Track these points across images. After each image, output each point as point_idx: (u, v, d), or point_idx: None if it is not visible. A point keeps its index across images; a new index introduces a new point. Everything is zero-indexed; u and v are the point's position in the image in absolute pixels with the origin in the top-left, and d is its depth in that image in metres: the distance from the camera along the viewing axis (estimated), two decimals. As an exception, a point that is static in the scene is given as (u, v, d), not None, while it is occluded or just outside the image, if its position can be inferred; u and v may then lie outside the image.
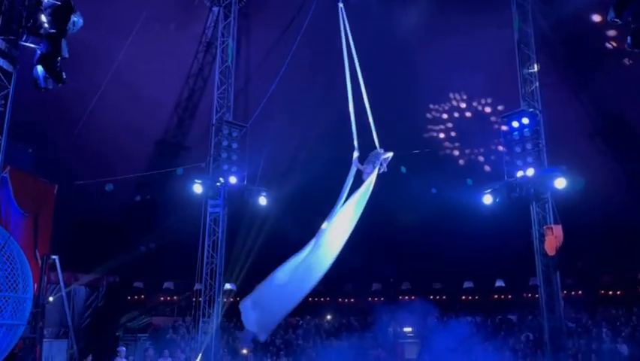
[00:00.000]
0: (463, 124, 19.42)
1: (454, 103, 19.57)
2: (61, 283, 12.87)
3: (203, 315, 15.66)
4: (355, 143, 8.90)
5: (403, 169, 17.71)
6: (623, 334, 16.49)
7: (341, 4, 9.27)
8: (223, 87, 16.69)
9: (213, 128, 16.41)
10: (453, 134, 19.86)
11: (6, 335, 9.40)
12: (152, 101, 17.80)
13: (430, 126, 19.95)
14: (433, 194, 19.66)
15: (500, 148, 16.12)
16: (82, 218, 17.63)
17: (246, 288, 17.43)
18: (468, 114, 19.33)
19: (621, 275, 20.44)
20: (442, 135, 20.00)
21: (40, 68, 8.63)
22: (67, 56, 8.57)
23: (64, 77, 8.68)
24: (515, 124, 15.29)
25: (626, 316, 18.07)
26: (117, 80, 15.70)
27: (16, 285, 9.47)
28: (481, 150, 19.59)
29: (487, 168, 19.25)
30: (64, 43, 8.55)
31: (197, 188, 15.66)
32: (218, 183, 15.86)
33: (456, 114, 19.58)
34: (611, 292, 20.60)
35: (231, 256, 16.66)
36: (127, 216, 18.56)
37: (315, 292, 23.14)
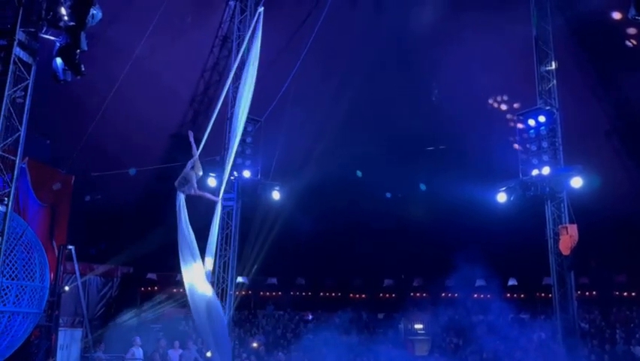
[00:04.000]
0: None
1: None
2: (77, 273, 13.06)
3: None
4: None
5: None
6: (638, 336, 16.31)
7: (261, 9, 9.29)
8: (239, 81, 16.70)
9: (228, 122, 16.46)
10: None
11: (22, 322, 9.59)
12: (169, 95, 17.93)
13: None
14: (446, 192, 19.57)
15: (516, 146, 15.96)
16: (98, 209, 17.84)
17: (257, 282, 17.63)
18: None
19: (636, 276, 20.19)
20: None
21: (59, 61, 8.73)
22: (86, 48, 8.66)
23: (83, 69, 8.77)
24: (531, 122, 15.17)
25: (641, 318, 17.87)
26: (134, 74, 15.80)
27: (33, 274, 9.65)
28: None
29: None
30: (83, 35, 8.63)
31: (212, 181, 15.75)
32: (232, 177, 15.93)
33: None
34: (625, 293, 20.36)
35: (244, 250, 16.75)
36: (142, 208, 18.73)
37: (326, 287, 23.27)
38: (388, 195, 20.88)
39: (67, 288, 13.68)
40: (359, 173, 20.04)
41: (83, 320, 14.22)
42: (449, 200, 18.68)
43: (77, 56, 8.64)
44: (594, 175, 14.66)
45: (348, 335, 19.09)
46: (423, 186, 17.92)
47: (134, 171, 16.88)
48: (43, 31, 8.66)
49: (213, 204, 8.88)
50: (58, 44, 8.75)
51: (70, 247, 12.42)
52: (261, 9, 9.25)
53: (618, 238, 18.18)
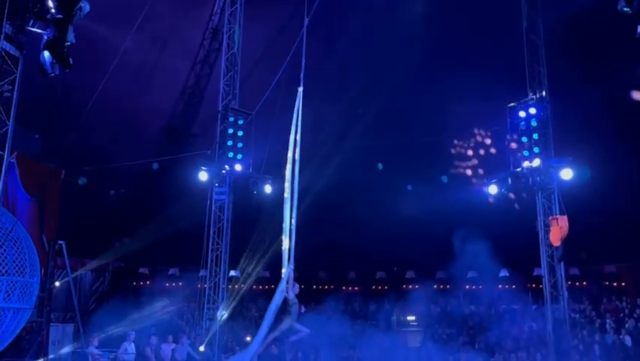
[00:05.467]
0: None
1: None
2: (68, 268, 13.00)
3: (208, 301, 15.78)
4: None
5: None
6: (627, 325, 16.50)
7: (300, 89, 9.29)
8: (229, 74, 16.67)
9: (219, 115, 16.41)
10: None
11: (13, 318, 9.53)
12: (159, 89, 17.82)
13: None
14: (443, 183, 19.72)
15: (513, 145, 15.79)
16: (89, 204, 17.74)
17: (250, 275, 17.62)
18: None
19: (626, 266, 20.38)
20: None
21: (47, 54, 8.64)
22: (74, 41, 8.58)
23: (71, 62, 8.68)
24: (522, 114, 15.19)
25: (630, 307, 18.06)
26: (123, 67, 15.70)
27: (23, 269, 9.58)
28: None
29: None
30: (70, 28, 8.55)
31: (203, 175, 15.71)
32: (223, 171, 15.90)
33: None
34: (615, 284, 20.54)
35: (236, 244, 16.74)
36: (133, 202, 18.66)
37: (319, 280, 23.33)
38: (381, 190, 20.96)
39: (57, 283, 13.59)
40: (380, 165, 20.24)
41: (75, 315, 14.17)
42: (440, 192, 18.77)
43: (65, 49, 8.56)
44: (584, 167, 14.73)
45: (341, 328, 19.17)
46: (409, 187, 18.07)
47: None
48: (30, 24, 8.57)
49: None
50: (45, 37, 8.66)
51: (60, 242, 12.35)
52: (300, 89, 9.39)
53: (608, 228, 18.33)
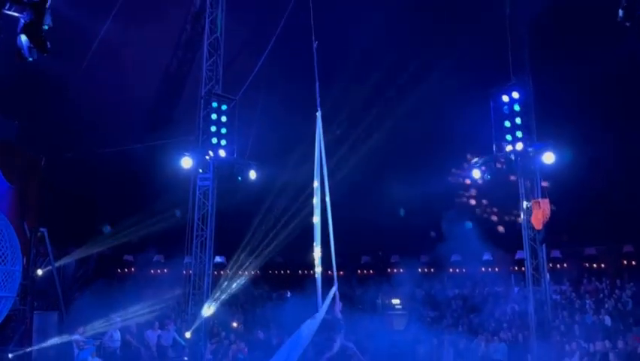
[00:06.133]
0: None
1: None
2: (51, 256, 12.89)
3: (194, 288, 15.76)
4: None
5: None
6: (607, 306, 16.85)
7: (319, 113, 9.19)
8: (212, 59, 16.48)
9: (202, 100, 16.26)
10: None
11: (-5, 306, 9.46)
12: (140, 74, 17.58)
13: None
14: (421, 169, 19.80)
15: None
16: (71, 191, 17.56)
17: (235, 261, 17.64)
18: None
19: (605, 249, 20.80)
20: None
21: (24, 38, 8.44)
22: (51, 24, 8.40)
23: (49, 46, 8.51)
24: (505, 98, 15.25)
25: (610, 288, 18.44)
26: (103, 52, 15.48)
27: (5, 257, 9.51)
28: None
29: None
30: (48, 11, 8.36)
31: (186, 161, 15.57)
32: (207, 157, 15.78)
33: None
34: (595, 265, 20.97)
35: (221, 230, 16.70)
36: (116, 189, 18.50)
37: (304, 265, 23.44)
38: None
39: (40, 271, 13.47)
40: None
41: (59, 302, 14.07)
42: (424, 178, 18.86)
43: (43, 33, 8.38)
44: (566, 151, 14.89)
45: (327, 312, 19.28)
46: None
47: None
48: (6, 8, 8.36)
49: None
50: (22, 21, 8.46)
51: (42, 229, 12.23)
52: (318, 113, 9.22)
53: (588, 212, 18.64)
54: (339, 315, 9.13)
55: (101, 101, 16.77)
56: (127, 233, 17.44)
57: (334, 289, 9.07)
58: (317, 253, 9.16)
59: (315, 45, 9.32)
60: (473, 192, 20.18)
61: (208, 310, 15.44)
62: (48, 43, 8.48)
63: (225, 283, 16.34)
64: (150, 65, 17.89)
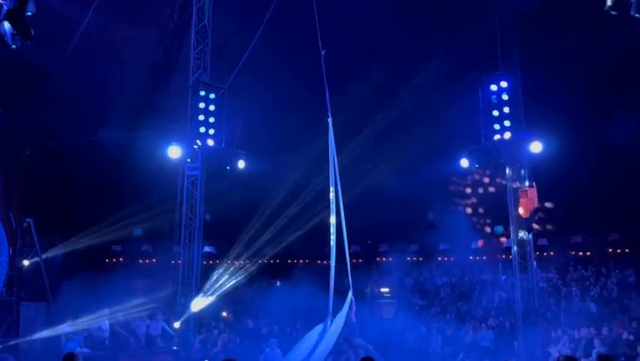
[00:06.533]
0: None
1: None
2: (37, 246, 12.76)
3: (183, 277, 15.70)
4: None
5: None
6: (592, 293, 17.09)
7: (330, 119, 9.14)
8: (200, 47, 16.28)
9: (190, 89, 16.09)
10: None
11: (-19, 297, 9.36)
12: (127, 62, 17.35)
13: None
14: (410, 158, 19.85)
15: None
16: (58, 181, 17.38)
17: (225, 251, 17.61)
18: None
19: (591, 237, 21.05)
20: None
21: (7, 25, 8.29)
22: (35, 11, 8.25)
23: (33, 33, 8.36)
24: (494, 87, 15.29)
25: (595, 276, 18.69)
26: (89, 39, 15.25)
27: (-10, 248, 9.39)
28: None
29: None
30: (31, -2, 8.21)
31: (174, 151, 15.43)
32: (195, 146, 15.65)
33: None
34: (581, 253, 21.22)
35: (210, 219, 16.63)
36: (104, 179, 18.33)
37: (292, 254, 23.48)
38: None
39: (26, 262, 13.32)
40: None
41: (46, 293, 13.95)
42: (414, 166, 18.91)
43: (26, 20, 8.23)
44: (554, 140, 14.99)
45: (317, 301, 19.35)
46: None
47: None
48: (-12, -6, 8.19)
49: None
50: (5, 7, 8.30)
51: (29, 219, 12.10)
52: (330, 120, 9.28)
53: (575, 201, 18.83)
54: (354, 319, 9.23)
55: (86, 91, 16.54)
56: (114, 222, 17.30)
57: (350, 294, 9.16)
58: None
59: (322, 53, 9.24)
60: (462, 181, 20.34)
61: (198, 304, 15.36)
62: (32, 30, 8.34)
63: (215, 277, 16.22)
64: (136, 53, 17.64)
